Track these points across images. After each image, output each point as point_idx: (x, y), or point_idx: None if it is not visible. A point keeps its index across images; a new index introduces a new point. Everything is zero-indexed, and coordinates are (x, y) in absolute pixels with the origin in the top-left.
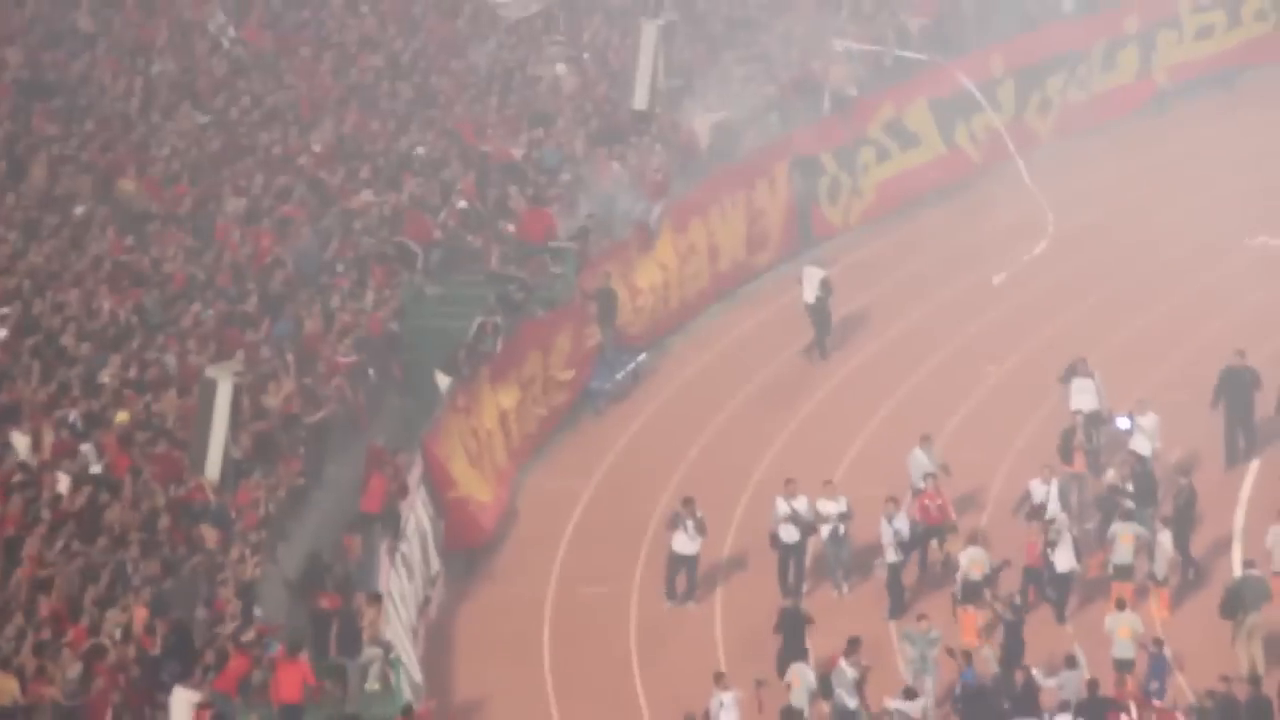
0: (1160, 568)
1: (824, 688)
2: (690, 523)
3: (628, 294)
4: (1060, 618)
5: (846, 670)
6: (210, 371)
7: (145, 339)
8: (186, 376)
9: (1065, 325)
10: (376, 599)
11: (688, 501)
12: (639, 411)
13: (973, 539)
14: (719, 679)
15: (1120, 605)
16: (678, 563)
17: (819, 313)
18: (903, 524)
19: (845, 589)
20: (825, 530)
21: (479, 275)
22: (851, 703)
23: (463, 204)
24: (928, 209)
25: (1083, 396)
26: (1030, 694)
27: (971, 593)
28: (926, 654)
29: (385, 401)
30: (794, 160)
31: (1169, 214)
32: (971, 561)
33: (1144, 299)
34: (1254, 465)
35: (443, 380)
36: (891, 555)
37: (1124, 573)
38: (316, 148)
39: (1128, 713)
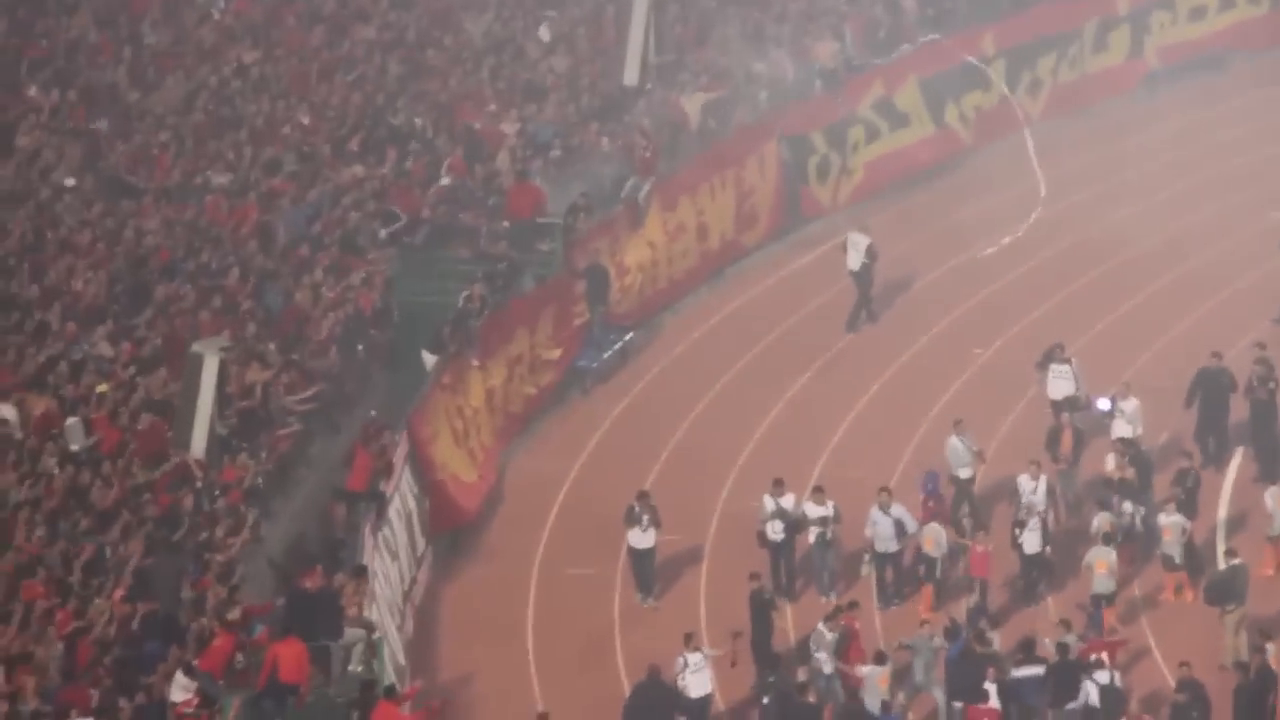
0: (1175, 552)
1: (801, 651)
2: (646, 516)
3: (616, 272)
4: (1032, 599)
5: (825, 633)
6: (197, 347)
7: (129, 313)
8: (173, 352)
9: (1052, 308)
10: (360, 573)
11: (643, 495)
12: (626, 391)
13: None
14: (688, 640)
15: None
16: (636, 558)
17: (863, 279)
18: (902, 514)
19: (833, 596)
20: (812, 534)
21: (467, 252)
22: (828, 666)
23: (449, 179)
24: (917, 189)
25: (1060, 383)
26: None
27: (930, 569)
28: (931, 663)
29: (372, 378)
30: (783, 138)
31: (1158, 197)
32: (930, 538)
33: (1131, 282)
34: (1236, 456)
35: (429, 358)
36: (885, 545)
37: (1108, 600)
38: (305, 120)
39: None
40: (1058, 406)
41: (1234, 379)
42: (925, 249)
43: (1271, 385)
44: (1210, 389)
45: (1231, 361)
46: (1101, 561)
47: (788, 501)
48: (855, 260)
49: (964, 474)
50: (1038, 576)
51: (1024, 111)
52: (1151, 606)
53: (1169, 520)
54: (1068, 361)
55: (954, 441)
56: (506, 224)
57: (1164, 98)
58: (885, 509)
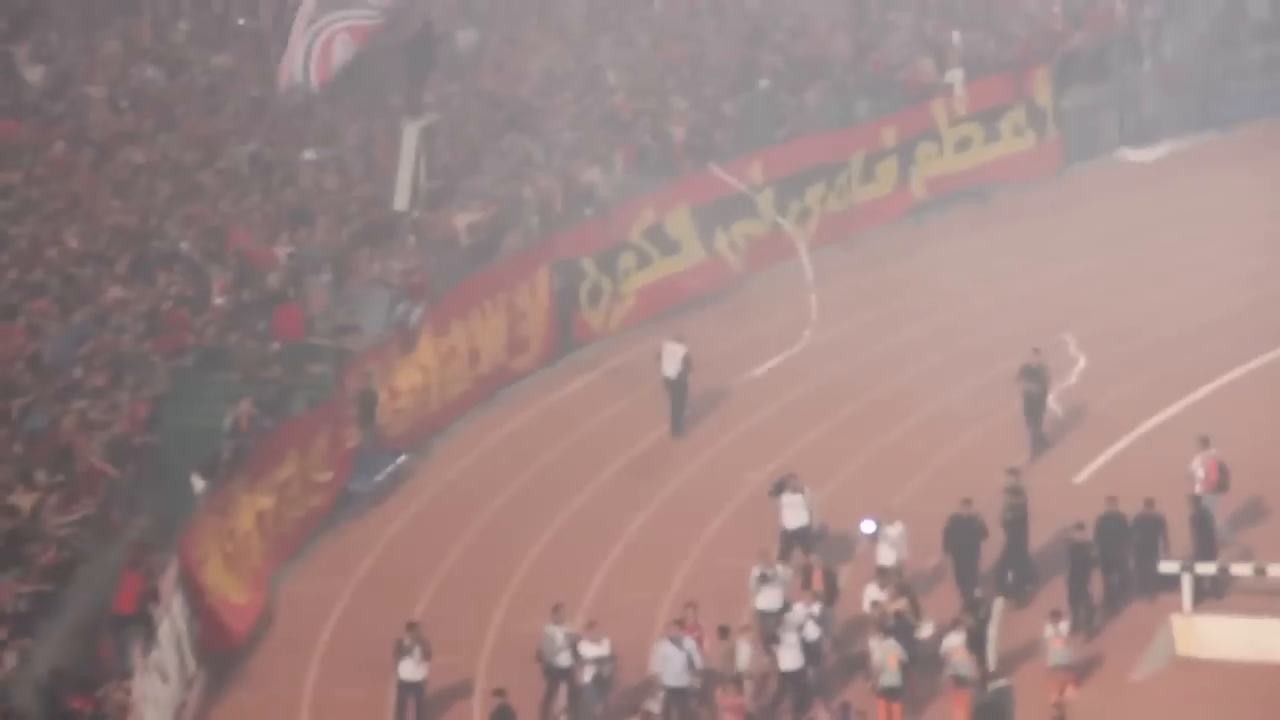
0: (966, 671)
1: None
2: (417, 648)
3: (388, 395)
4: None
5: None
6: None
7: None
8: None
9: (821, 434)
10: (124, 681)
11: (412, 626)
12: (397, 515)
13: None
14: None
15: None
16: (406, 690)
17: (679, 388)
18: (693, 649)
19: None
20: (588, 673)
21: (238, 375)
22: None
23: (220, 300)
24: (688, 315)
25: (793, 512)
26: None
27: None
28: None
29: (140, 501)
30: (555, 264)
31: (920, 326)
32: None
33: (899, 409)
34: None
35: (198, 482)
36: (677, 680)
37: (893, 693)
38: (72, 243)
39: None
40: (789, 536)
41: (984, 526)
42: (697, 375)
43: (1009, 516)
44: (961, 535)
45: (992, 492)
46: (893, 655)
47: (569, 628)
48: (671, 369)
49: (760, 604)
50: (794, 695)
51: (793, 240)
52: None
53: (960, 640)
54: (800, 491)
55: (753, 572)
56: (277, 346)
57: (930, 228)
58: (679, 643)
